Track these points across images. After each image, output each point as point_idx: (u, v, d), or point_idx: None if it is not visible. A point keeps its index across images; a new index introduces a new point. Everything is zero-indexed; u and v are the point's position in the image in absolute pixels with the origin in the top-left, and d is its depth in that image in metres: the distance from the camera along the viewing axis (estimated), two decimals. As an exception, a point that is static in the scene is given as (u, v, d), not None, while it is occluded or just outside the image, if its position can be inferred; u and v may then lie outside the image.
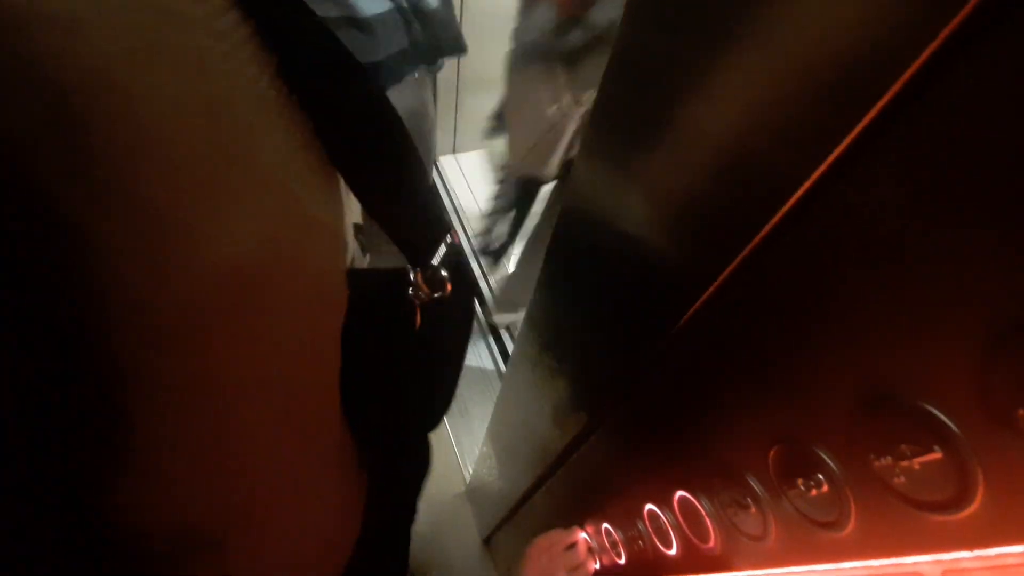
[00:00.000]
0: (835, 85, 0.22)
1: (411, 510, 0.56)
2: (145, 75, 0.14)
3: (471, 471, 1.41)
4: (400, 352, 0.34)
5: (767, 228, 0.27)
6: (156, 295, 0.15)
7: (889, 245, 0.22)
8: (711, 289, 0.32)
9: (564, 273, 0.53)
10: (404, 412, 0.39)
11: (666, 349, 0.38)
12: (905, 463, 0.23)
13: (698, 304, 0.33)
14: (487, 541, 1.37)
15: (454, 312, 0.35)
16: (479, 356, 1.65)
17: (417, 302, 0.32)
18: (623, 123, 0.36)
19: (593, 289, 0.47)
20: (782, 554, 0.33)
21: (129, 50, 0.14)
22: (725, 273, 0.30)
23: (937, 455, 0.22)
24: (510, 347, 1.64)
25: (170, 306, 0.15)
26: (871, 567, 0.27)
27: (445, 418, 1.58)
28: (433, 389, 0.38)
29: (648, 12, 0.32)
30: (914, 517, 0.24)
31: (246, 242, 0.17)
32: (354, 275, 0.28)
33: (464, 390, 1.58)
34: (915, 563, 0.24)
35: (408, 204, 0.30)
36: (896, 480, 0.24)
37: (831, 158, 0.23)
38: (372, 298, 0.32)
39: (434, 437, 1.65)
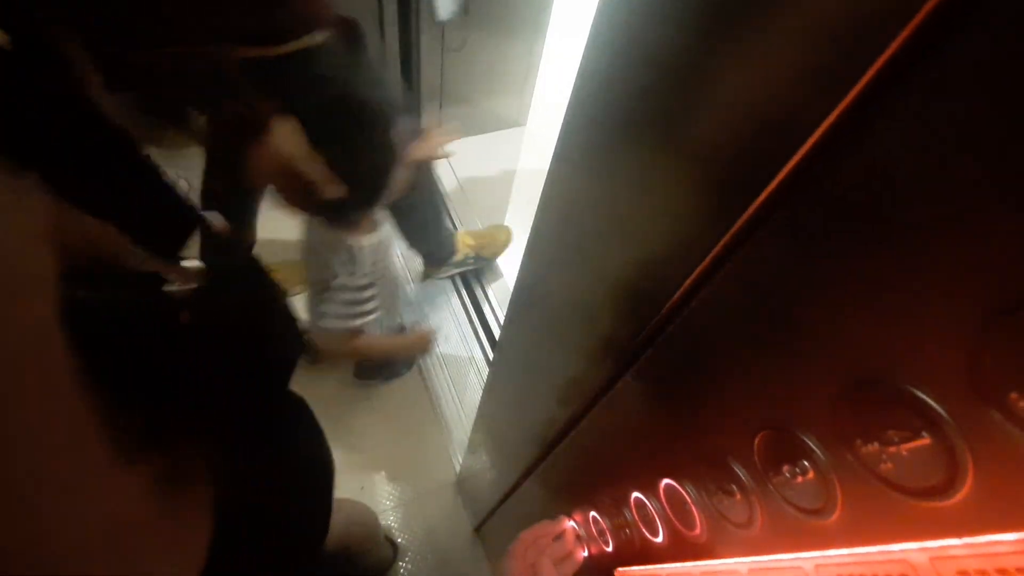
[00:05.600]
0: (818, 64, 0.21)
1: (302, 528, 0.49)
2: None
3: (461, 460, 1.41)
4: (171, 348, 0.32)
5: (749, 212, 0.26)
6: None
7: (873, 226, 0.21)
8: (694, 276, 0.31)
9: (550, 262, 0.52)
10: (203, 406, 0.36)
11: (650, 337, 0.37)
12: (892, 449, 0.22)
13: (681, 292, 0.32)
14: (478, 530, 1.37)
15: (228, 297, 0.34)
16: (467, 344, 1.64)
17: (179, 295, 0.30)
18: (614, 87, 0.35)
19: (579, 278, 0.46)
20: (768, 541, 0.32)
21: None
22: (708, 259, 0.29)
23: (925, 440, 0.21)
24: (498, 334, 1.63)
25: None
26: (858, 555, 0.26)
27: (434, 407, 1.55)
28: (232, 379, 0.36)
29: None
30: (902, 504, 0.23)
31: None
32: (98, 280, 0.26)
33: (453, 379, 1.57)
34: (903, 551, 0.24)
35: (132, 208, 0.29)
36: (883, 466, 0.23)
37: (816, 135, 0.22)
38: (125, 302, 0.31)
39: (424, 427, 1.64)
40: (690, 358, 0.34)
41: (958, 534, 0.21)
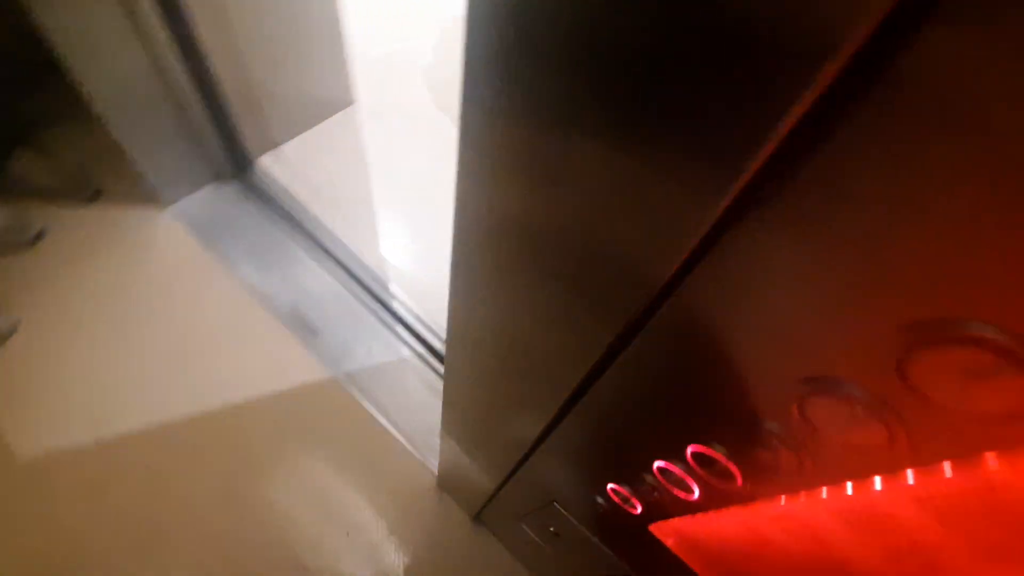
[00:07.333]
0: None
1: None
2: None
3: (436, 462, 1.36)
4: None
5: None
6: None
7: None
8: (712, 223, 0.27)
9: (497, 242, 0.46)
10: None
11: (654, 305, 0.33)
12: (972, 388, 0.21)
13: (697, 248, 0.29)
14: (478, 516, 1.36)
15: None
16: (392, 348, 1.55)
17: None
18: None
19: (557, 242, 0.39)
20: (821, 477, 0.32)
21: None
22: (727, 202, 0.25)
23: (1007, 373, 0.20)
24: (425, 334, 1.56)
25: None
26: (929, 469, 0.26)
27: (383, 423, 1.47)
28: None
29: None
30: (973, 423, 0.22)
31: None
32: None
33: (392, 388, 1.49)
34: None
35: None
36: (957, 405, 0.22)
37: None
38: None
39: (381, 446, 1.57)
40: (717, 314, 0.30)
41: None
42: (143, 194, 1.70)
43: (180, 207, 1.72)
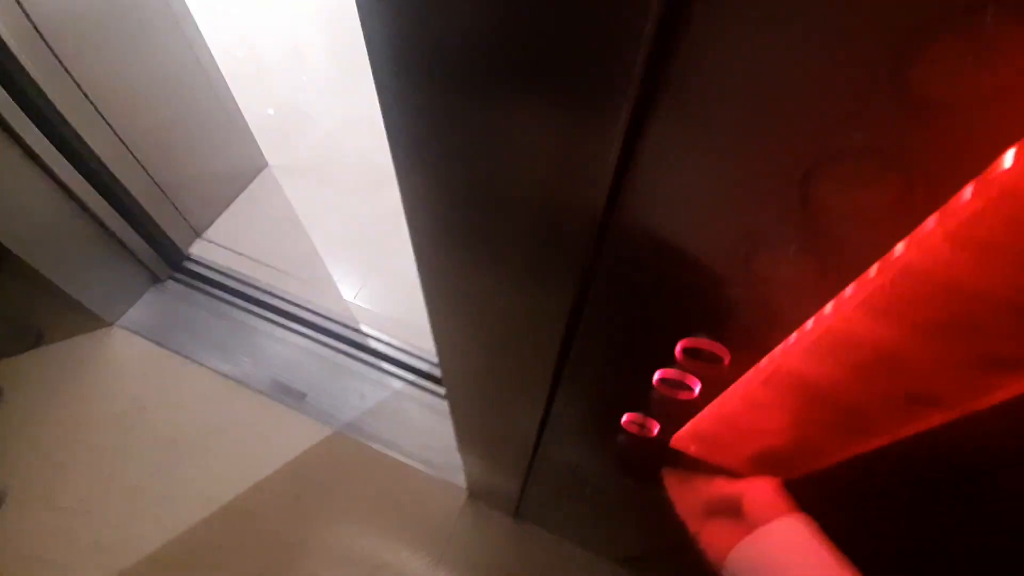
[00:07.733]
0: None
1: None
2: None
3: (463, 478, 1.38)
4: None
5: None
6: None
7: None
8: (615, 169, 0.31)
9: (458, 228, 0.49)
10: None
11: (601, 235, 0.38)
12: (859, 194, 0.26)
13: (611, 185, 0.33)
14: (517, 514, 1.38)
15: None
16: (386, 385, 1.56)
17: None
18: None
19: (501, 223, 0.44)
20: (785, 324, 0.37)
21: None
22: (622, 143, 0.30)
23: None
24: (409, 361, 1.58)
25: None
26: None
27: (396, 457, 1.48)
28: None
29: None
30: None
31: None
32: None
33: (395, 420, 1.50)
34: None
35: None
36: (855, 212, 0.27)
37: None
38: None
39: (403, 480, 1.57)
40: (655, 218, 0.34)
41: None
42: (86, 319, 1.64)
43: (128, 320, 1.67)
